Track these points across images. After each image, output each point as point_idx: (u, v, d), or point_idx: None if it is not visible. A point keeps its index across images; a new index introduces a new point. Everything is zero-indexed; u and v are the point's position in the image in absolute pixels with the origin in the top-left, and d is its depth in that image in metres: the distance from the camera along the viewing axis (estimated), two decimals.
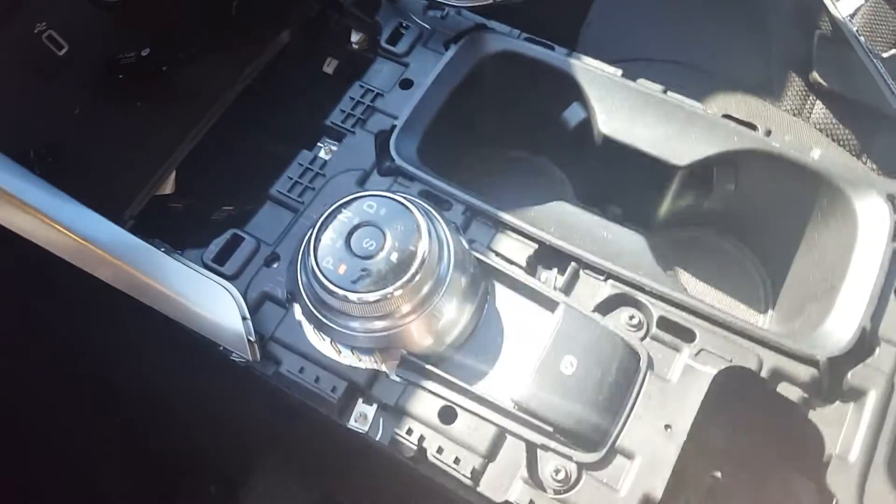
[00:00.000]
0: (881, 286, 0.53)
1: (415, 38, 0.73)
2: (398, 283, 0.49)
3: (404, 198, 0.53)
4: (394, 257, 0.51)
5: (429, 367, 0.52)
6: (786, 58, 0.99)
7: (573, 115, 0.69)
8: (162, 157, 0.75)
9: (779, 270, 0.68)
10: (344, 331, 0.52)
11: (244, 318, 0.55)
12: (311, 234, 0.52)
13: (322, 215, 0.53)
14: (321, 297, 0.52)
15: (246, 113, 0.80)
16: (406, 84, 0.69)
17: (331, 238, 0.52)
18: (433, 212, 0.56)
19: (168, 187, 0.78)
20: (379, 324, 0.51)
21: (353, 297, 0.50)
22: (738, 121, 0.63)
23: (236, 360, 0.58)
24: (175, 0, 0.81)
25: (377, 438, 0.53)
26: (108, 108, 0.75)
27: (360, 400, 0.54)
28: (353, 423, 0.54)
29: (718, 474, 0.58)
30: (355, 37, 0.82)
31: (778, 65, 0.99)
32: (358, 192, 0.54)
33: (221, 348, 0.58)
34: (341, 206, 0.53)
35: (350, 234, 0.52)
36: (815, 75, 0.96)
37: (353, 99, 0.69)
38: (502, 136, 0.77)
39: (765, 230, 0.69)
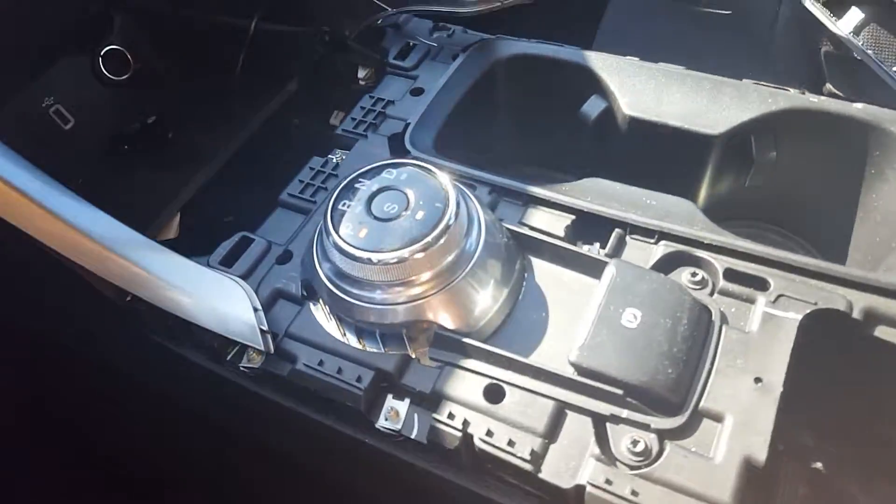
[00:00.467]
0: None
1: (423, 54, 0.72)
2: (422, 243, 0.44)
3: (428, 165, 0.49)
4: (419, 216, 0.45)
5: (467, 340, 0.45)
6: (794, 75, 0.99)
7: (593, 107, 0.66)
8: (163, 204, 0.72)
9: (837, 248, 0.62)
10: (367, 306, 0.46)
11: (256, 310, 0.49)
12: (329, 203, 0.47)
13: (340, 184, 0.48)
14: (340, 269, 0.46)
15: (251, 167, 0.79)
16: (417, 92, 0.68)
17: (349, 205, 0.47)
18: (461, 186, 0.51)
19: (171, 231, 0.75)
20: (404, 293, 0.45)
21: (374, 257, 0.44)
22: (769, 85, 0.60)
23: (247, 368, 0.51)
24: (180, 70, 0.83)
25: (413, 436, 0.45)
26: (111, 178, 0.73)
27: (391, 396, 0.47)
28: (383, 423, 0.46)
29: (819, 465, 0.49)
30: (362, 73, 0.81)
31: (788, 83, 0.99)
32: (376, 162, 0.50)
33: (229, 357, 0.51)
34: (360, 175, 0.49)
35: (371, 199, 0.47)
36: (830, 87, 0.95)
37: (363, 108, 0.67)
38: (518, 151, 0.74)
39: (814, 209, 0.64)
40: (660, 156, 0.62)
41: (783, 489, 0.49)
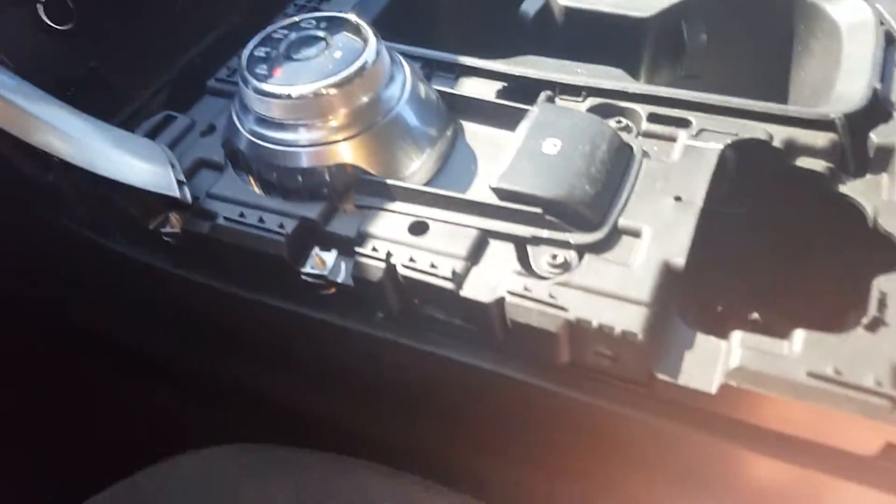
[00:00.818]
0: (881, 59, 0.48)
1: None
2: (339, 77, 0.43)
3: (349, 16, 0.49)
4: (337, 55, 0.45)
5: (391, 181, 0.45)
6: None
7: (530, 5, 0.66)
8: None
9: None
10: (288, 149, 0.45)
11: (172, 166, 0.47)
12: (247, 49, 0.47)
13: (257, 36, 0.48)
14: (259, 114, 0.45)
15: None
16: None
17: (265, 51, 0.46)
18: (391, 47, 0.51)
19: None
20: (325, 133, 0.44)
21: (291, 92, 0.43)
22: None
23: (169, 235, 0.49)
24: (124, 17, 0.81)
25: (339, 280, 0.44)
26: None
27: (317, 248, 0.46)
28: (308, 270, 0.45)
29: (756, 315, 0.49)
30: None
31: None
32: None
33: (152, 227, 0.50)
34: (280, 27, 0.48)
35: (289, 45, 0.47)
36: None
37: (297, 5, 0.66)
38: (458, 49, 0.74)
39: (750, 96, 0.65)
40: (597, 45, 0.62)
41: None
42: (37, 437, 0.74)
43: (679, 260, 0.38)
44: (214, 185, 0.49)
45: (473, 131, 0.51)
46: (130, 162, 0.47)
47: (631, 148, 0.45)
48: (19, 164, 0.53)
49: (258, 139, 0.46)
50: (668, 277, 0.38)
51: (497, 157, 0.48)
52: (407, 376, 0.47)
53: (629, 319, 0.35)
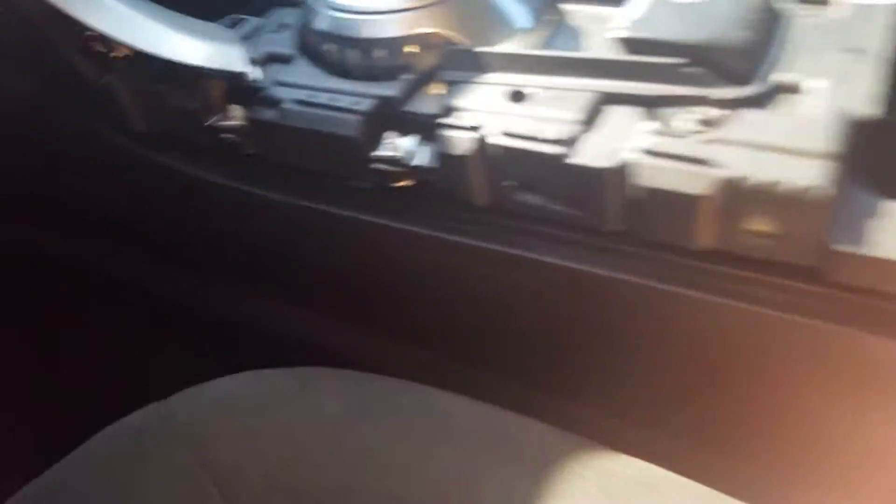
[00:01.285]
0: None
1: None
2: None
3: None
4: None
5: (482, 49, 0.38)
6: None
7: None
8: None
9: None
10: (372, 17, 0.39)
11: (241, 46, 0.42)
12: None
13: None
14: None
15: None
16: None
17: None
18: None
19: None
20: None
21: None
22: None
23: (228, 129, 0.44)
24: None
25: (413, 163, 0.37)
26: None
27: (395, 133, 0.39)
28: (381, 152, 0.38)
29: None
30: None
31: None
32: None
33: (209, 123, 0.45)
34: None
35: None
36: None
37: None
38: None
39: None
40: None
41: None
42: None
43: (866, 110, 0.29)
44: (282, 72, 0.43)
45: (575, 11, 0.43)
46: (196, 42, 0.42)
47: (779, 10, 0.36)
48: (79, 65, 0.49)
49: (341, 12, 0.40)
50: (851, 131, 0.29)
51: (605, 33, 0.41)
52: (493, 290, 0.40)
53: (809, 173, 0.27)
